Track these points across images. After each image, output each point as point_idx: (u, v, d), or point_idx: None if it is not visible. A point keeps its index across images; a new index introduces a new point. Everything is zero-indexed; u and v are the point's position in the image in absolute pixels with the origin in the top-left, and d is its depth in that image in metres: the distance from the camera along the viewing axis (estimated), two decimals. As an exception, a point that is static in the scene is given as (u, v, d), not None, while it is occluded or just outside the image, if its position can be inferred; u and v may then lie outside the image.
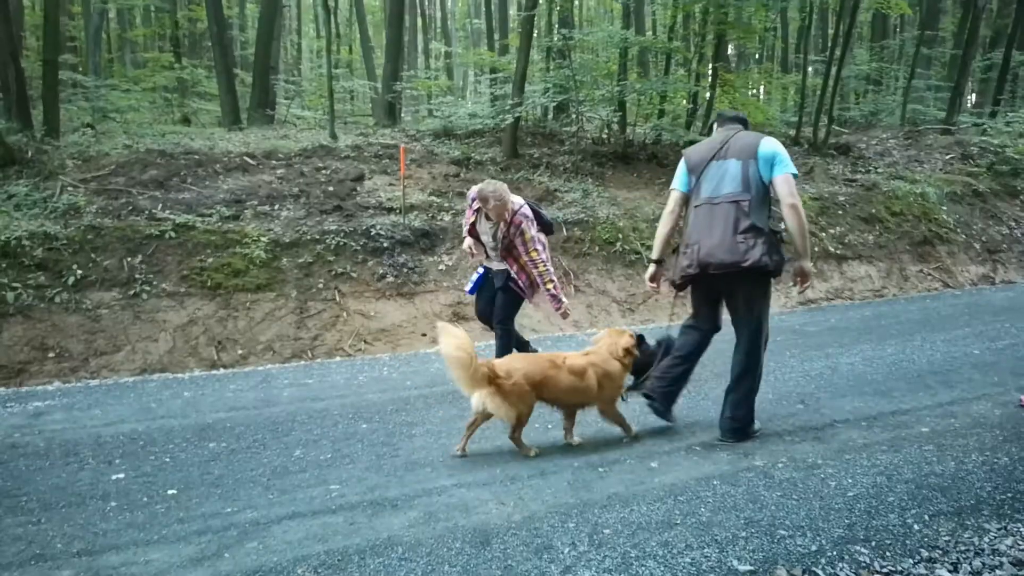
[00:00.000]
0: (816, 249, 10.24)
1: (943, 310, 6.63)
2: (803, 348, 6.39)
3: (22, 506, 3.57)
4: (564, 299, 5.33)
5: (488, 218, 5.25)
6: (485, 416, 4.03)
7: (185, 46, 20.77)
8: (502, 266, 5.32)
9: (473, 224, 5.42)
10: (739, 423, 4.26)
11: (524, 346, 5.63)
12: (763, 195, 4.10)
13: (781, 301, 9.37)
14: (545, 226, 5.44)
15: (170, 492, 3.68)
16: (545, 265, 5.19)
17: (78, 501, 3.61)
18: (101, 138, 10.93)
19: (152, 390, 5.70)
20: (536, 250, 5.17)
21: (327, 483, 3.75)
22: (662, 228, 4.47)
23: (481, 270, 5.55)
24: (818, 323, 7.58)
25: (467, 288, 5.74)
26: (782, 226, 4.22)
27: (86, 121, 12.35)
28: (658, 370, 4.48)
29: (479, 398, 3.93)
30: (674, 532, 3.15)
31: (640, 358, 4.83)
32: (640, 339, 4.88)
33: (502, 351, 5.25)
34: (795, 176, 4.11)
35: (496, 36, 18.72)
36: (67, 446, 4.37)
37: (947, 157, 13.51)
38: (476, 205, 5.27)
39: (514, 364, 4.11)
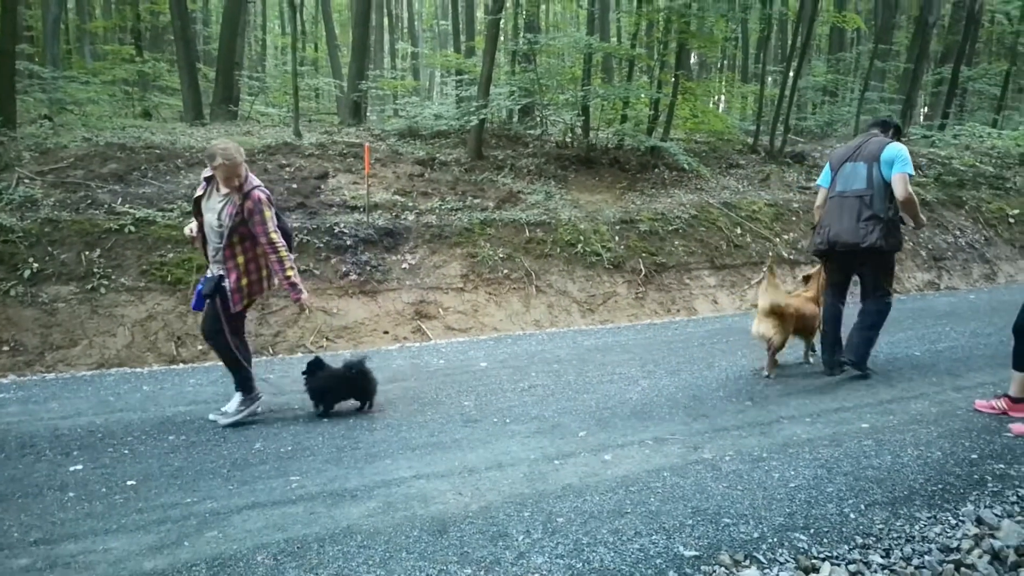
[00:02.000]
0: (771, 254, 10.54)
1: (892, 314, 6.84)
2: (754, 347, 6.57)
3: (-25, 496, 3.56)
4: (304, 290, 4.75)
5: (218, 190, 4.53)
6: (767, 338, 5.48)
7: (146, 39, 20.43)
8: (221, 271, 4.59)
9: (199, 200, 4.60)
10: (858, 360, 5.49)
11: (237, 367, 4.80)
12: (883, 190, 5.22)
13: (735, 304, 9.63)
14: (284, 233, 4.71)
15: (129, 483, 3.70)
16: (286, 250, 4.60)
17: (35, 492, 3.61)
18: (59, 130, 10.74)
19: (110, 384, 5.66)
20: (276, 231, 4.55)
21: (287, 474, 3.81)
22: (816, 216, 5.75)
23: (203, 282, 4.71)
24: (770, 325, 7.82)
25: (191, 303, 4.97)
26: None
27: (43, 113, 12.11)
28: (826, 344, 5.75)
29: (763, 326, 5.44)
30: (624, 520, 3.28)
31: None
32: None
33: (238, 378, 4.72)
34: (911, 175, 5.20)
35: (463, 38, 18.80)
36: (23, 438, 4.34)
37: (897, 167, 13.95)
38: (207, 173, 4.57)
39: (788, 300, 5.58)
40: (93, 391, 5.34)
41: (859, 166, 5.34)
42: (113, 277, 7.39)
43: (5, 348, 6.67)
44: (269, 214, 4.52)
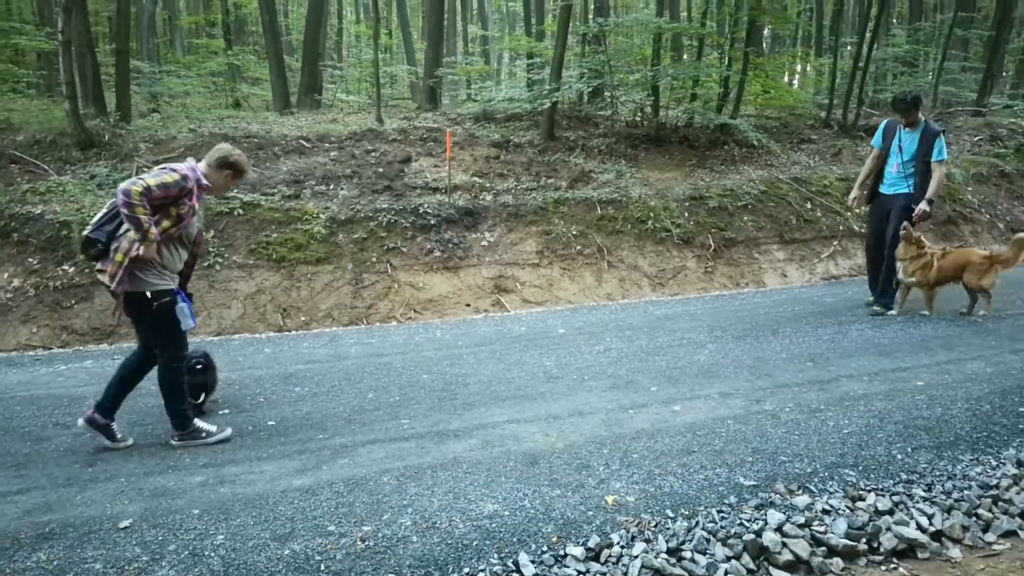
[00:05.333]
0: (841, 228, 10.69)
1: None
2: (819, 316, 6.92)
3: (150, 432, 4.32)
4: None
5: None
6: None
7: (232, 32, 21.60)
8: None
9: (178, 217, 3.92)
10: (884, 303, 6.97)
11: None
12: None
13: (805, 277, 9.86)
14: None
15: (269, 423, 4.41)
16: None
17: (195, 429, 4.34)
18: (167, 122, 11.75)
19: (236, 347, 6.46)
20: None
21: (398, 418, 4.45)
22: None
23: (180, 296, 4.08)
24: (836, 295, 8.09)
25: (190, 323, 4.10)
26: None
27: (152, 106, 13.19)
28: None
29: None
30: (691, 457, 3.78)
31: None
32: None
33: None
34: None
35: (533, 21, 19.19)
36: (174, 389, 5.11)
37: (976, 139, 13.74)
38: (202, 182, 4.01)
39: None
40: (223, 352, 6.11)
41: None
42: (226, 255, 8.23)
43: (137, 318, 7.57)
44: None
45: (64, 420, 4.57)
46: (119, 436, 4.12)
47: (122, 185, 3.70)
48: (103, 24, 19.83)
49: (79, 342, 7.14)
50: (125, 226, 3.83)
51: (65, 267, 7.75)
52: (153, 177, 3.80)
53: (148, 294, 3.87)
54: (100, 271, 3.95)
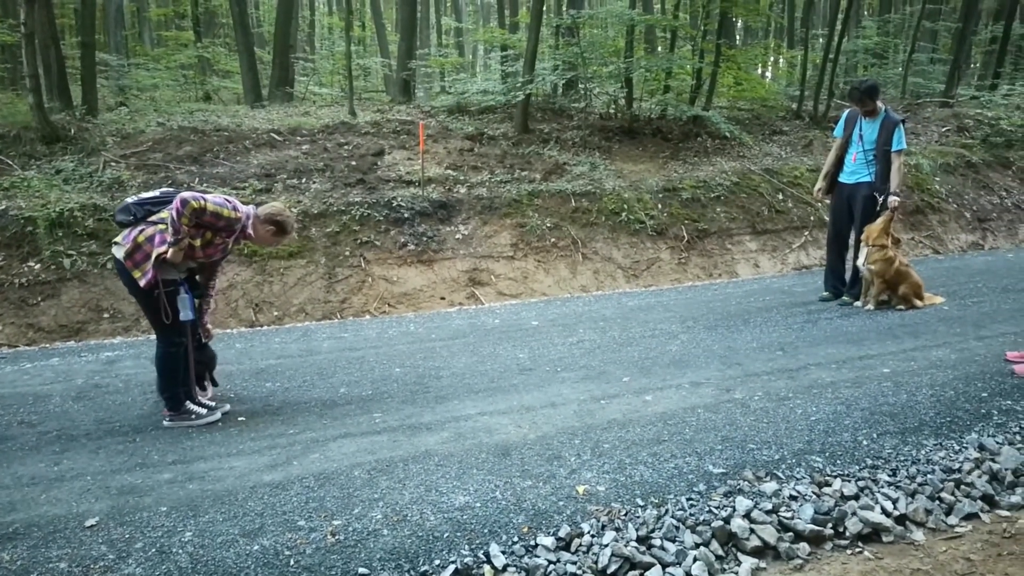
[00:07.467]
0: (812, 218, 10.82)
1: (925, 272, 7.17)
2: (789, 305, 7.01)
3: (118, 429, 4.27)
4: None
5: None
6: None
7: (202, 24, 21.28)
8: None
9: (209, 244, 4.19)
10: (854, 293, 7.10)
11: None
12: None
13: (777, 267, 9.97)
14: None
15: (240, 419, 4.37)
16: None
17: (162, 426, 4.30)
18: (135, 116, 11.56)
19: (206, 343, 6.39)
20: None
21: (371, 412, 4.44)
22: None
23: (184, 287, 4.24)
24: (806, 284, 8.19)
25: (189, 314, 4.27)
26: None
27: (120, 100, 12.97)
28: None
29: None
30: (662, 446, 3.81)
31: None
32: None
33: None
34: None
35: (507, 13, 19.14)
36: (143, 386, 5.05)
37: (943, 129, 13.96)
38: (247, 230, 4.27)
39: None
40: (193, 349, 6.05)
41: None
42: (196, 250, 8.12)
43: (105, 315, 7.47)
44: None
45: (29, 419, 4.49)
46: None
47: (185, 194, 3.94)
48: (69, 16, 19.45)
49: (46, 340, 7.02)
50: (159, 217, 4.08)
51: (31, 264, 7.60)
52: (214, 204, 4.02)
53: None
54: (116, 243, 4.13)
